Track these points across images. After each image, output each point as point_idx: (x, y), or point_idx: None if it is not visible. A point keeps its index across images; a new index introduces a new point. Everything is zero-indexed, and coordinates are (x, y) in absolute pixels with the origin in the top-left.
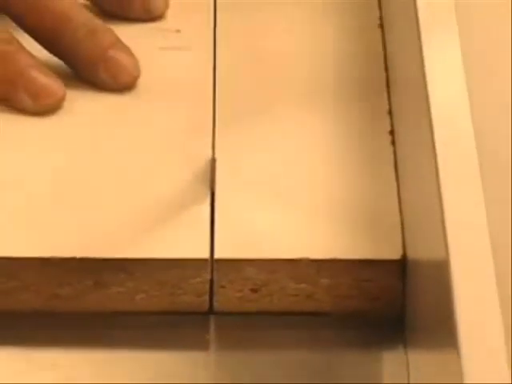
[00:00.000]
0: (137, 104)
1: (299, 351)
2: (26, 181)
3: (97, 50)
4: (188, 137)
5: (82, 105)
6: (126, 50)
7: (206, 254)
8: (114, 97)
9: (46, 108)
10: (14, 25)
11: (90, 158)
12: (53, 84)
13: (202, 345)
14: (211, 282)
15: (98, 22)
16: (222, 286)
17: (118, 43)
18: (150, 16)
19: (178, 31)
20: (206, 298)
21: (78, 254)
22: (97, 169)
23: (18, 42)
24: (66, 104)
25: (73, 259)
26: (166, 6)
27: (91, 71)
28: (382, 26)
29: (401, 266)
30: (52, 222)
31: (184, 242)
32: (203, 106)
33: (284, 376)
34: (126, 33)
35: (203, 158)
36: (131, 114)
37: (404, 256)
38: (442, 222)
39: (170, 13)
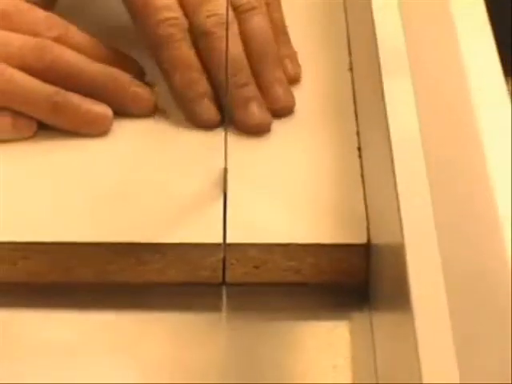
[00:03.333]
0: (165, 127)
1: (289, 312)
2: (86, 186)
3: (122, 88)
4: (206, 152)
5: (123, 129)
6: (142, 84)
7: (219, 240)
8: (147, 122)
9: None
10: None
11: (131, 168)
12: (105, 110)
13: (216, 308)
14: (224, 260)
15: (113, 69)
16: (232, 264)
17: (134, 80)
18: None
19: None
20: (220, 272)
21: (123, 240)
22: (136, 177)
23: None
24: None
25: (119, 243)
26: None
27: (121, 106)
28: (351, 69)
29: (366, 248)
30: (103, 215)
31: (203, 230)
32: (218, 128)
33: (278, 330)
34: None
35: (217, 168)
36: (161, 134)
37: (368, 241)
38: (399, 214)
39: None
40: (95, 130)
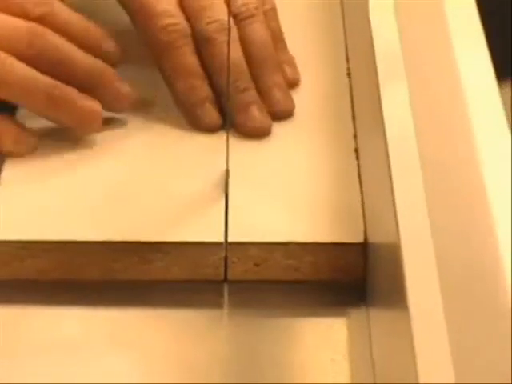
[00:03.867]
0: (169, 130)
1: (289, 309)
2: (92, 187)
3: (107, 82)
4: (209, 154)
5: (127, 132)
6: (120, 79)
7: (221, 238)
8: (150, 124)
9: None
10: None
11: (135, 170)
12: (98, 107)
13: (218, 305)
14: (225, 258)
15: (101, 63)
16: (233, 262)
17: (116, 76)
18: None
19: None
20: (222, 270)
21: (127, 239)
22: (140, 178)
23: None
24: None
25: (124, 242)
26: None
27: (102, 99)
28: (349, 74)
29: (363, 247)
30: (109, 215)
31: (205, 229)
32: (220, 132)
33: (277, 326)
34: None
35: (219, 170)
36: (165, 137)
37: (365, 240)
38: (395, 214)
39: None
40: (89, 127)
